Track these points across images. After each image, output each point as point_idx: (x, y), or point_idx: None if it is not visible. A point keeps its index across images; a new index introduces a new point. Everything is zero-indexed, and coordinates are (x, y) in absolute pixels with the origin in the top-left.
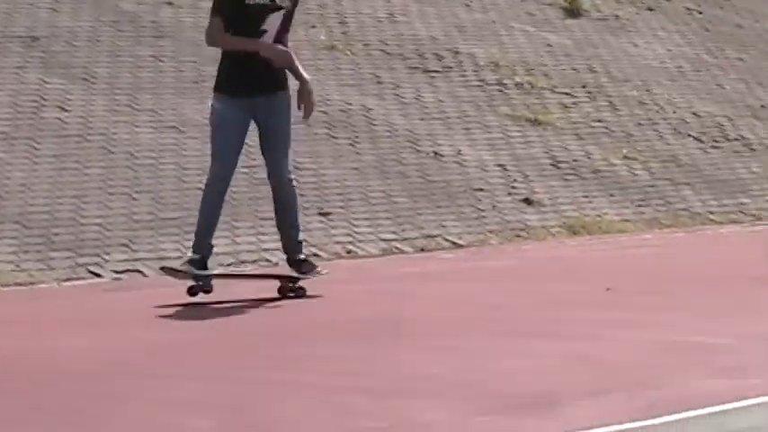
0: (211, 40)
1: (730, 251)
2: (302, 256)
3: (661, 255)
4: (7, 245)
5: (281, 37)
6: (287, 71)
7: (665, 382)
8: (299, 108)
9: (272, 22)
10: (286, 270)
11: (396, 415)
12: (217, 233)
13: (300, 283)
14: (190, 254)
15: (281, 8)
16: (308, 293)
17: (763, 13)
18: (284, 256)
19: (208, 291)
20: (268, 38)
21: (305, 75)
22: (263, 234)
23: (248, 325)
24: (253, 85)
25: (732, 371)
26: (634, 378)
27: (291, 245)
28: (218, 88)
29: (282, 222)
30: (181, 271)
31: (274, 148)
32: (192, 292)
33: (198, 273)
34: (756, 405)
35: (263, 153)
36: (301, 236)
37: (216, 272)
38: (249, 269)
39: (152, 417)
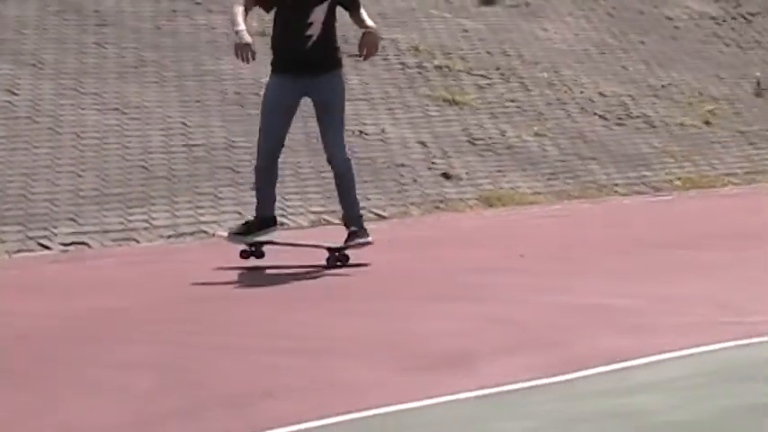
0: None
1: (634, 220)
2: (354, 228)
3: (570, 224)
4: None
5: (330, 22)
6: (337, 50)
7: (576, 341)
8: (360, 51)
9: (317, 15)
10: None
11: (319, 373)
12: (157, 207)
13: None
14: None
15: (323, 0)
16: (243, 263)
17: (663, 0)
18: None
19: (259, 256)
20: (314, 30)
21: (369, 23)
22: (200, 208)
23: (186, 292)
24: (301, 65)
25: (638, 329)
26: (546, 338)
27: (349, 218)
28: (272, 66)
29: (342, 199)
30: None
31: (328, 127)
32: (244, 255)
33: (261, 238)
34: (659, 361)
35: (320, 131)
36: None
37: (277, 240)
38: (189, 240)
39: (98, 378)
